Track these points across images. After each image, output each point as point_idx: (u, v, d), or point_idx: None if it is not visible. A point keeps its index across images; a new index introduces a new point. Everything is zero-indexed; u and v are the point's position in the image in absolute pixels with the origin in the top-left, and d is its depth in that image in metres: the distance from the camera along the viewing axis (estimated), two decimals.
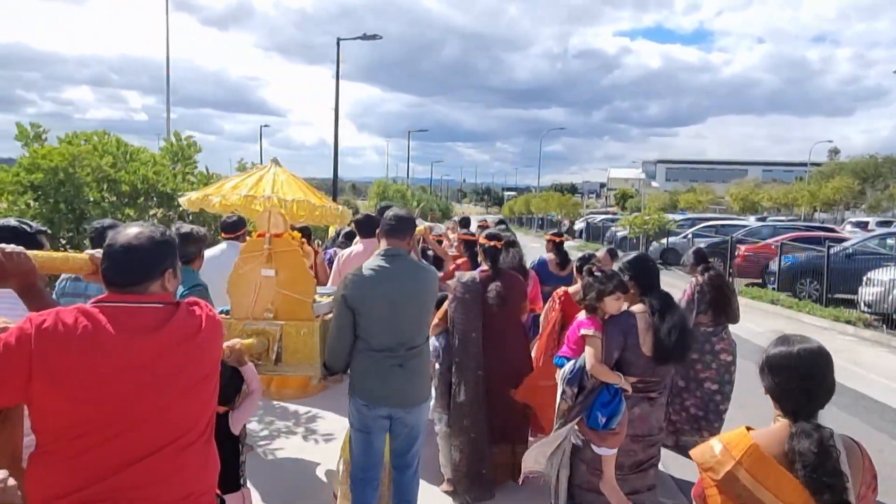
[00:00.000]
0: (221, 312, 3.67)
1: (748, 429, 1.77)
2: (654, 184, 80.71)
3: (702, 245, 17.62)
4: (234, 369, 3.04)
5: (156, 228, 2.00)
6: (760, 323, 10.47)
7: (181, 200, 3.17)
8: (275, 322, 3.47)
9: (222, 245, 4.97)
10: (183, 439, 1.92)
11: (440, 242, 7.54)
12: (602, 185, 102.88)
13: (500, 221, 9.30)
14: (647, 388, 3.18)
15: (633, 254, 3.36)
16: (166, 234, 2.01)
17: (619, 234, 24.55)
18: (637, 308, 3.20)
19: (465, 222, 10.02)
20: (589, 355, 3.17)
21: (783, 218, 33.30)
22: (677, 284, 8.32)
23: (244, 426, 3.10)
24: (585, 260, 4.57)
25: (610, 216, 36.80)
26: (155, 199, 6.45)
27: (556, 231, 6.64)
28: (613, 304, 3.21)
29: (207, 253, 4.57)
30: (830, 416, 1.78)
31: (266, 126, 41.16)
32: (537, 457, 3.31)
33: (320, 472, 4.44)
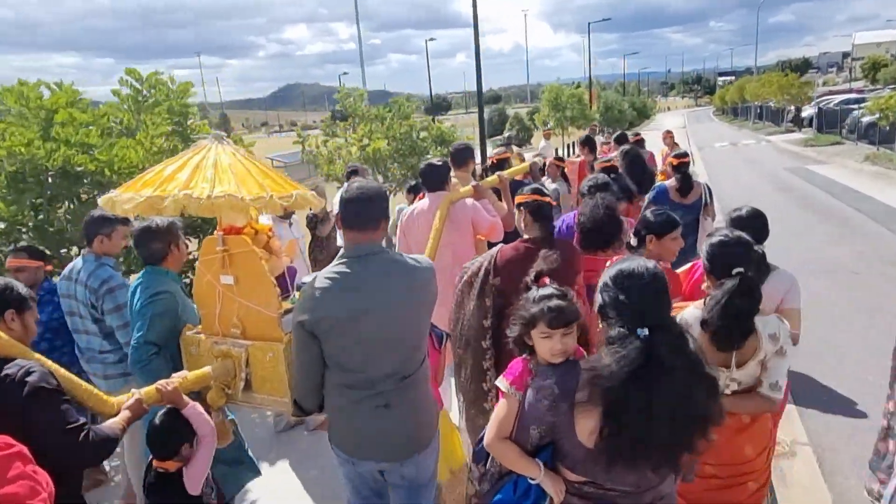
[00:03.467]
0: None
1: None
2: None
3: None
4: (174, 414, 2.41)
5: None
6: None
7: (100, 202, 2.53)
8: (240, 342, 2.75)
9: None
10: None
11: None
12: (845, 56, 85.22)
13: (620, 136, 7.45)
14: (607, 497, 1.74)
15: (620, 264, 1.76)
16: None
17: (865, 120, 19.38)
18: (591, 359, 1.70)
19: (620, 139, 8.29)
20: (491, 422, 1.91)
21: None
22: None
23: (207, 478, 2.48)
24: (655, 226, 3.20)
25: (854, 96, 29.72)
26: (51, 182, 4.18)
27: (679, 152, 5.53)
28: (544, 346, 1.84)
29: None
30: None
31: (432, 39, 39.98)
32: None
33: None
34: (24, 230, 4.23)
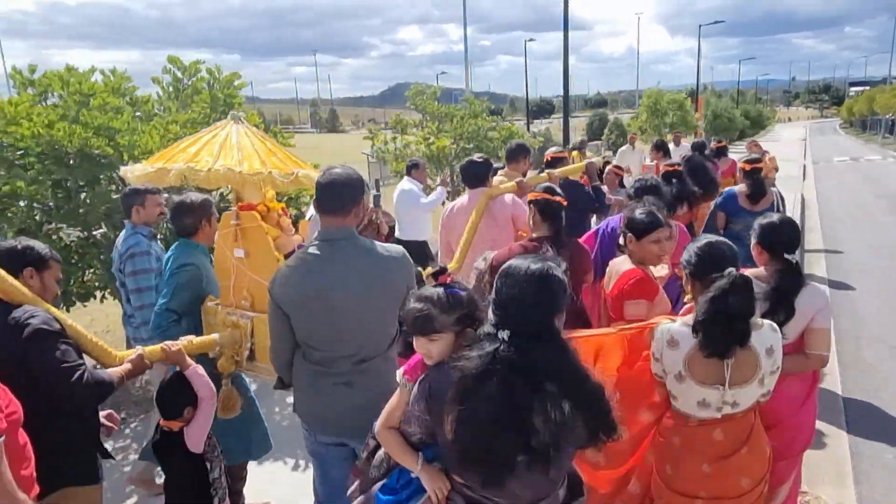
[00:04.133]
0: None
1: None
2: None
3: None
4: (181, 377, 2.57)
5: None
6: None
7: (121, 170, 2.75)
8: (246, 314, 2.90)
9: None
10: None
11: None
12: None
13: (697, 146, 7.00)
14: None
15: (512, 259, 1.69)
16: None
17: None
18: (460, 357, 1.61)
19: (698, 146, 7.84)
20: (384, 410, 1.91)
21: None
22: None
23: (209, 440, 2.63)
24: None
25: None
26: (73, 164, 4.34)
27: (751, 157, 5.29)
28: (425, 347, 1.79)
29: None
30: None
31: (531, 40, 38.57)
32: None
33: None
34: (44, 209, 4.44)
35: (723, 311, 1.95)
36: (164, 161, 2.60)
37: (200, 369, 2.60)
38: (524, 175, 4.90)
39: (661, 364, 2.17)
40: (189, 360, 2.61)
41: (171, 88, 5.08)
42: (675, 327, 2.14)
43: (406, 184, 6.18)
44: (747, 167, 5.09)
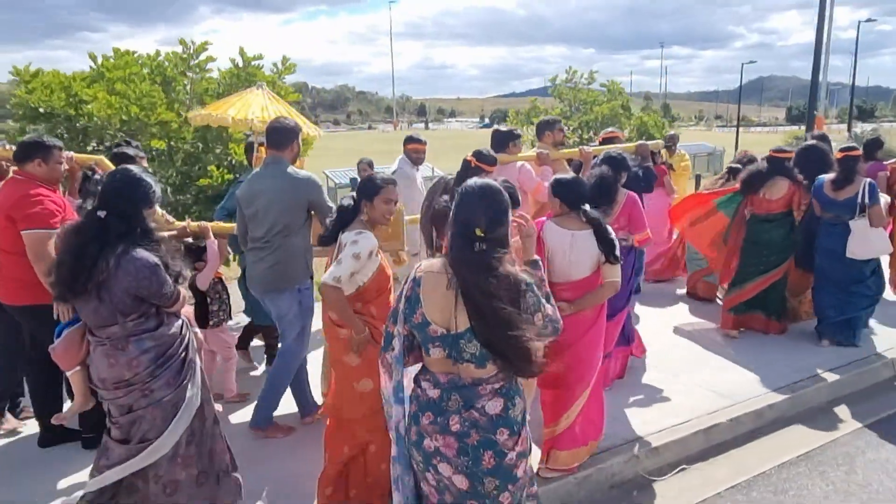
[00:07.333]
0: None
1: None
2: None
3: None
4: (204, 245, 4.21)
5: None
6: None
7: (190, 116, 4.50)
8: None
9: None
10: None
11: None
12: None
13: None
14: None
15: None
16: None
17: None
18: None
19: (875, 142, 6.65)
20: None
21: None
22: None
23: (215, 288, 4.32)
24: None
25: None
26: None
27: (847, 146, 5.22)
28: None
29: None
30: None
31: (869, 21, 29.91)
32: None
33: None
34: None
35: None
36: (202, 109, 4.41)
37: (215, 244, 4.18)
38: (557, 148, 5.42)
39: None
40: (210, 235, 4.27)
41: (180, 67, 6.14)
42: None
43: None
44: (840, 155, 4.93)
